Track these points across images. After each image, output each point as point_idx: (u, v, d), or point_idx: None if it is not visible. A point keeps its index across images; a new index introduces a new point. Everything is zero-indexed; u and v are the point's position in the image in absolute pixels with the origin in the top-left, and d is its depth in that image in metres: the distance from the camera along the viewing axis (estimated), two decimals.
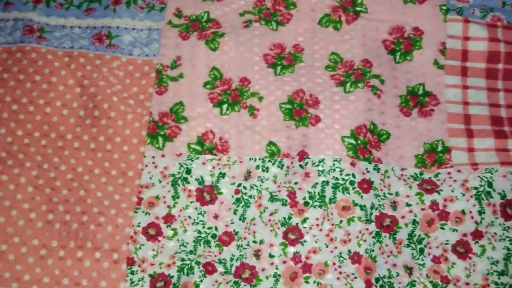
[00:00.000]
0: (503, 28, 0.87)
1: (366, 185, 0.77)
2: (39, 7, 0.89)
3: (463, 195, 0.77)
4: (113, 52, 0.86)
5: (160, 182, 0.78)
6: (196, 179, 0.78)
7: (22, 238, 0.73)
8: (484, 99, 0.84)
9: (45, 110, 0.81)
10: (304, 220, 0.75)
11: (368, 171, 0.78)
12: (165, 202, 0.77)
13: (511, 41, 0.86)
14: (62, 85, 0.83)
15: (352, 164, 0.77)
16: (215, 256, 0.75)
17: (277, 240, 0.75)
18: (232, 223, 0.77)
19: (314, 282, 0.72)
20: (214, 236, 0.76)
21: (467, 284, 0.73)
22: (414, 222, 0.77)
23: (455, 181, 0.78)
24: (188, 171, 0.79)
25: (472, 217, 0.76)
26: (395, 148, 0.81)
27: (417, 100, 0.84)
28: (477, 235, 0.76)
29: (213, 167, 0.79)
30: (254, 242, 0.75)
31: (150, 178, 0.78)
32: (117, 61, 0.85)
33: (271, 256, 0.74)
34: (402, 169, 0.79)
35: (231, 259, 0.74)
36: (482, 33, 0.86)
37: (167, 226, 0.76)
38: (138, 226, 0.75)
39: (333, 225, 0.75)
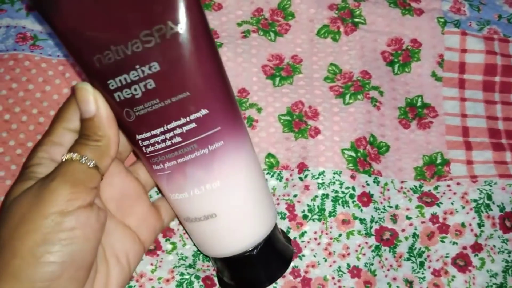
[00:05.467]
0: (500, 41, 0.88)
1: (366, 198, 0.76)
2: (33, 14, 0.86)
3: (463, 207, 0.77)
4: None
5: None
6: None
7: None
8: (481, 112, 0.84)
9: (38, 120, 0.79)
10: (302, 234, 0.74)
11: (368, 184, 0.77)
12: None
13: (507, 53, 0.87)
14: (56, 94, 0.81)
15: (352, 177, 0.77)
16: (214, 270, 0.73)
17: None
18: None
19: None
20: None
21: None
22: (415, 235, 0.76)
23: (454, 193, 0.78)
24: None
25: (472, 230, 0.76)
26: (394, 161, 0.80)
27: (416, 112, 0.84)
28: (476, 247, 0.75)
29: None
30: None
31: None
32: None
33: None
34: (402, 182, 0.79)
35: None
36: (479, 46, 0.86)
37: (166, 240, 0.74)
38: None
39: (331, 238, 0.74)
